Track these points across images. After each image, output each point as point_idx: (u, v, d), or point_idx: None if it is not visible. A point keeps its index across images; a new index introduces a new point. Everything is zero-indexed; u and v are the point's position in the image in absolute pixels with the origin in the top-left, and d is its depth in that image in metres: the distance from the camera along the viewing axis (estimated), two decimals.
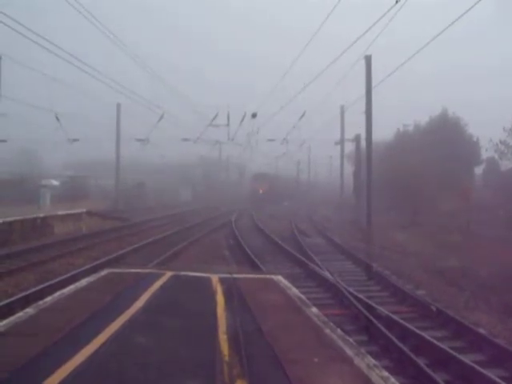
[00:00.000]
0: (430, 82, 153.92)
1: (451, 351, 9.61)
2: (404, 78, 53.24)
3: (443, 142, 46.62)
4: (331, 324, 7.48)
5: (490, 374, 8.51)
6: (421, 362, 9.12)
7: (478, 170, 57.81)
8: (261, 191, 71.77)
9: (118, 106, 50.35)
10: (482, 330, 11.36)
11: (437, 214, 35.98)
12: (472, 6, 13.92)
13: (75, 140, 44.27)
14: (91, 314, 7.52)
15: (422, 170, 39.27)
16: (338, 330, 7.17)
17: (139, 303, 8.24)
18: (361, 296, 13.79)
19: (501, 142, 43.98)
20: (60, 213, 31.37)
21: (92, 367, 5.36)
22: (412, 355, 9.38)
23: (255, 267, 18.28)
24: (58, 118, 37.39)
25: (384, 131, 53.64)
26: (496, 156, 47.72)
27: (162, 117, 38.42)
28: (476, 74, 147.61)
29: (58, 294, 9.20)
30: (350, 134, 45.75)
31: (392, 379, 5.41)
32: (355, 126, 39.13)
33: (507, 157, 45.46)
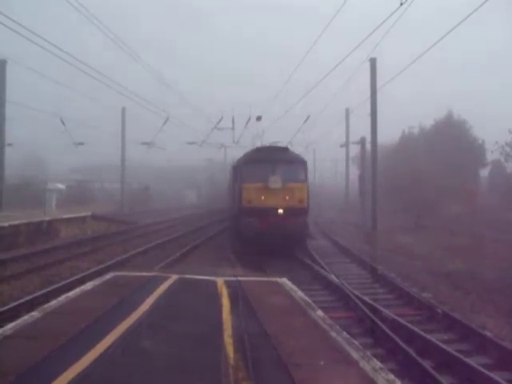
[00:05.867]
0: (437, 83, 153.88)
1: (457, 354, 9.59)
2: (409, 79, 53.29)
3: (448, 145, 46.56)
4: (337, 327, 7.47)
5: (496, 376, 8.48)
6: (427, 364, 9.10)
7: (484, 173, 57.66)
8: (280, 211, 22.51)
9: (123, 109, 50.53)
10: (488, 333, 11.33)
11: (442, 216, 35.89)
12: (480, 6, 13.77)
13: (80, 144, 44.34)
14: (97, 317, 7.53)
15: (426, 173, 39.22)
16: (344, 333, 7.16)
17: (144, 307, 8.24)
18: (366, 299, 13.77)
19: (507, 143, 44.04)
20: (66, 216, 31.44)
21: (98, 370, 5.36)
22: (418, 358, 9.36)
23: (260, 269, 18.25)
24: (63, 122, 37.48)
25: (390, 133, 53.72)
26: (502, 158, 47.77)
27: (166, 120, 38.45)
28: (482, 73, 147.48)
29: (63, 297, 9.22)
30: (355, 137, 45.74)
31: (398, 382, 5.39)
32: (361, 128, 39.07)
33: None
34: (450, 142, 47.25)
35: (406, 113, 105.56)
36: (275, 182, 22.07)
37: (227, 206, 38.04)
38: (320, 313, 8.38)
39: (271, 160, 22.93)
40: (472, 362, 9.20)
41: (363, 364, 5.82)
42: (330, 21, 18.79)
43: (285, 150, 24.96)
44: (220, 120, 38.38)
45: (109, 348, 6.07)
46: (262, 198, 22.22)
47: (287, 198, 22.34)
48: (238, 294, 9.58)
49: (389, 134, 54.11)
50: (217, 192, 72.20)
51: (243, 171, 23.43)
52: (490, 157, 52.15)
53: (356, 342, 6.79)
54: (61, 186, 58.33)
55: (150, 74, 36.39)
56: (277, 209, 22.25)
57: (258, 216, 21.83)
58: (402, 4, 14.46)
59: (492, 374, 8.57)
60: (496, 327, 12.21)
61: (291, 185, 22.47)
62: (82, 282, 13.39)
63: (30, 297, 13.23)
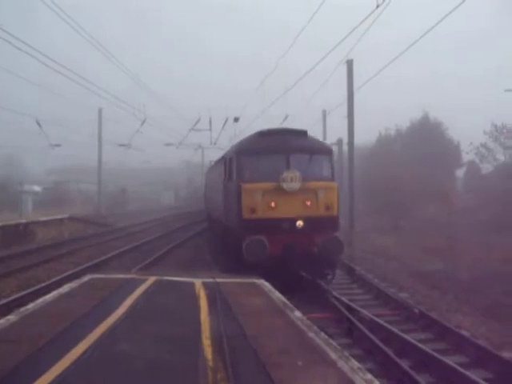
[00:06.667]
0: (414, 85, 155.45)
1: (434, 353, 9.68)
2: (387, 80, 53.75)
3: (424, 146, 46.96)
4: (315, 327, 7.51)
5: (472, 375, 8.59)
6: (404, 364, 9.18)
7: (459, 174, 58.33)
8: (299, 224, 15.04)
9: (100, 110, 50.22)
10: (464, 332, 11.46)
11: (419, 217, 36.19)
12: (453, 9, 13.95)
13: (57, 145, 44.01)
14: (74, 320, 7.48)
15: (403, 174, 39.49)
16: (322, 334, 7.20)
17: (122, 309, 8.21)
18: (344, 299, 13.83)
19: (481, 144, 44.64)
20: (42, 218, 31.21)
21: (75, 374, 5.33)
22: (395, 358, 9.44)
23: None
24: (39, 124, 37.18)
25: (367, 134, 54.07)
26: (477, 159, 48.38)
27: (144, 121, 38.33)
28: (459, 79, 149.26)
29: (40, 300, 9.14)
30: (333, 138, 45.95)
31: (376, 382, 5.44)
32: (338, 130, 39.27)
33: (488, 160, 46.15)
34: (426, 144, 47.67)
35: (385, 117, 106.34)
36: (292, 180, 14.95)
37: (210, 209, 30.76)
38: (298, 313, 8.41)
39: (284, 148, 15.55)
40: (449, 360, 9.31)
41: (341, 364, 5.85)
42: (308, 21, 18.89)
43: (302, 134, 16.54)
44: (197, 121, 38.41)
45: (87, 350, 6.04)
46: (272, 204, 15.03)
47: (309, 203, 15.22)
48: (216, 295, 9.58)
49: (366, 132, 54.50)
50: (194, 193, 72.27)
51: (243, 165, 15.81)
52: (466, 158, 52.86)
53: (334, 343, 6.83)
54: (37, 188, 57.88)
55: (127, 75, 36.25)
56: (294, 221, 15.01)
57: (266, 233, 14.65)
58: (378, 6, 14.58)
59: (468, 373, 8.68)
60: (472, 326, 12.36)
61: (314, 184, 15.27)
62: (59, 284, 13.30)
63: (7, 300, 13.11)
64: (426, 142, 48.23)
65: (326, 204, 15.29)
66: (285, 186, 14.82)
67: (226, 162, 17.90)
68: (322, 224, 15.14)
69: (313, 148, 16.09)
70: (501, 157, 45.67)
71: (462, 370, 8.80)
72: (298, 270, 15.29)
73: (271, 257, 14.41)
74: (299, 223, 14.94)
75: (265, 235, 14.53)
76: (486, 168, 49.40)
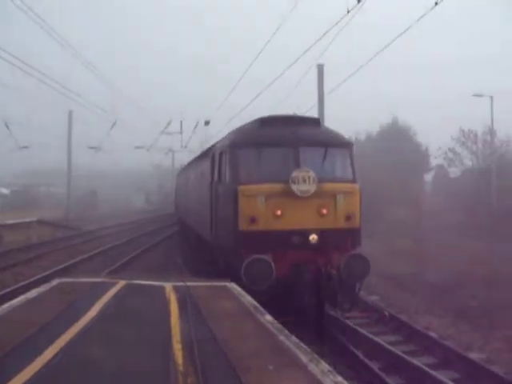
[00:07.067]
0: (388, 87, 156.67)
1: (403, 355, 9.78)
2: (356, 87, 54.23)
3: (393, 151, 47.48)
4: (285, 331, 7.50)
5: (440, 375, 8.70)
6: (374, 366, 9.25)
7: (428, 177, 59.19)
8: (313, 238, 11.59)
9: (70, 113, 49.58)
10: (432, 334, 11.60)
11: (389, 220, 36.53)
12: (421, 17, 14.16)
13: (25, 147, 43.31)
14: (43, 325, 7.37)
15: (373, 178, 39.85)
16: (293, 337, 7.20)
17: (92, 313, 8.11)
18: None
19: (449, 149, 45.47)
20: (9, 222, 30.75)
21: (44, 379, 5.25)
22: (365, 360, 9.51)
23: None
24: (7, 126, 36.65)
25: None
26: (445, 164, 49.25)
27: (114, 124, 38.04)
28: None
29: (6, 305, 8.97)
30: None
31: None
32: None
33: (455, 164, 47.01)
34: (395, 148, 48.23)
35: (359, 119, 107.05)
36: (304, 181, 11.55)
37: (182, 212, 27.64)
38: (268, 317, 8.40)
39: (292, 140, 12.10)
40: (417, 362, 9.42)
41: (312, 367, 5.86)
42: (281, 23, 18.98)
43: (314, 122, 13.56)
44: (168, 124, 38.24)
45: (55, 356, 5.95)
46: (278, 212, 11.64)
47: (325, 212, 11.86)
48: (186, 299, 9.53)
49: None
50: (165, 199, 71.87)
51: (239, 161, 12.40)
52: (434, 162, 53.69)
53: (304, 346, 6.84)
54: (5, 191, 57.10)
55: (98, 78, 35.99)
56: (307, 234, 11.72)
57: (270, 250, 11.46)
58: (348, 12, 14.72)
59: (436, 373, 8.79)
60: (441, 327, 12.52)
61: (332, 187, 12.06)
62: (27, 288, 13.11)
63: None
64: (396, 146, 48.79)
65: (346, 212, 12.01)
66: (295, 188, 11.53)
67: (213, 158, 14.20)
68: (341, 238, 11.95)
69: (328, 140, 12.74)
70: (468, 161, 46.56)
71: (430, 370, 8.91)
72: (310, 296, 11.81)
73: (278, 281, 11.21)
74: (313, 237, 11.72)
75: (269, 253, 11.38)
76: (454, 172, 50.33)
